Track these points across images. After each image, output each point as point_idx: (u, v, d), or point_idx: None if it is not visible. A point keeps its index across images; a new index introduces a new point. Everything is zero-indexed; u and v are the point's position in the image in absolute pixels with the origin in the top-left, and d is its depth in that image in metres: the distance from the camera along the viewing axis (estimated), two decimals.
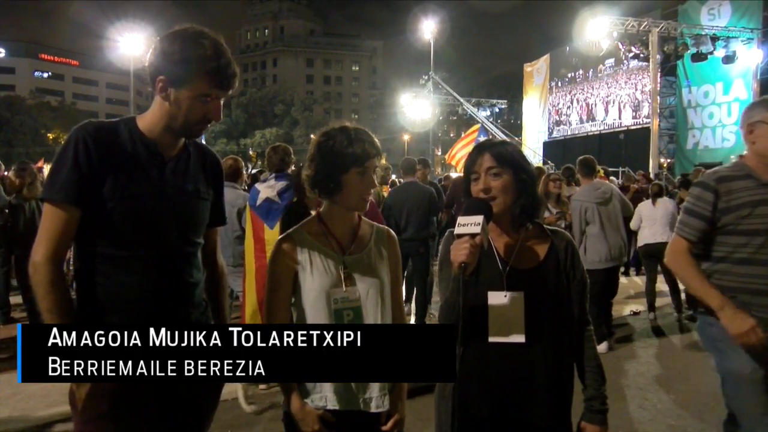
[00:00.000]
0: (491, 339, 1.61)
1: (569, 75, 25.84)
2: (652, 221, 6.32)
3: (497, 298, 1.61)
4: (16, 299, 6.43)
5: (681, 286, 6.58)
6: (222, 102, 1.64)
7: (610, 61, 22.36)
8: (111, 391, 1.51)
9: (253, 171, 11.41)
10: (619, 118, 22.35)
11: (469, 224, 1.51)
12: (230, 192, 4.48)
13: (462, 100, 25.99)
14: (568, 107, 26.00)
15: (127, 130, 1.62)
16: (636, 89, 21.16)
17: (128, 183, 1.57)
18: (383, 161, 1.81)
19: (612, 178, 11.59)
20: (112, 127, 1.61)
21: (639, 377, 4.64)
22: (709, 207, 2.19)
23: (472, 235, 1.49)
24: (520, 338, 1.59)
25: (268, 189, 4.01)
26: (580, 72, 24.88)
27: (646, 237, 6.40)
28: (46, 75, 68.29)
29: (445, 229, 2.02)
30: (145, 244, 1.59)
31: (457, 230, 1.53)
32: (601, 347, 5.19)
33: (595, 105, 23.98)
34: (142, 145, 1.62)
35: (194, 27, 1.59)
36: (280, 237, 1.77)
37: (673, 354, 5.31)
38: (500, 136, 17.21)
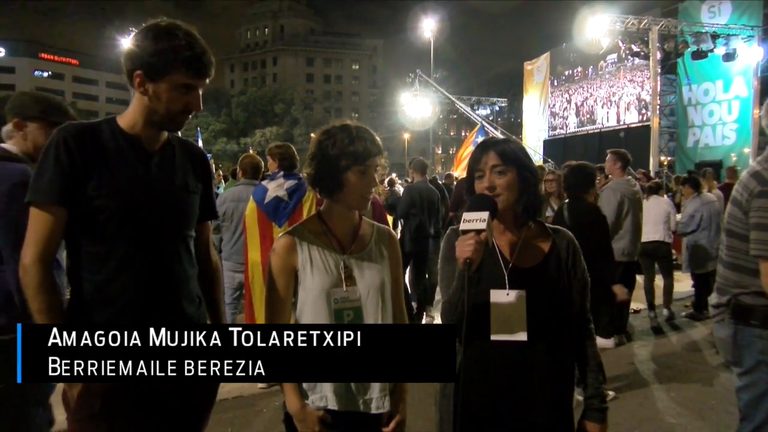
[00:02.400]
0: (493, 337, 1.60)
1: (567, 72, 25.76)
2: (646, 220, 6.27)
3: (499, 296, 1.61)
4: None
5: (682, 288, 6.58)
6: (200, 91, 1.63)
7: (612, 58, 22.30)
8: (103, 391, 1.50)
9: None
10: (620, 117, 22.30)
11: (474, 220, 1.49)
12: (250, 190, 4.37)
13: (453, 98, 25.72)
14: (568, 105, 25.95)
15: (109, 128, 1.62)
16: (642, 89, 21.07)
17: (113, 179, 1.56)
18: (383, 160, 1.81)
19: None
20: (93, 126, 1.61)
21: (639, 376, 4.64)
22: None
23: (478, 231, 1.48)
24: (522, 336, 1.59)
25: (277, 187, 3.95)
26: (579, 70, 24.82)
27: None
28: (46, 74, 68.13)
29: (446, 228, 2.01)
30: (133, 240, 1.58)
31: (463, 226, 1.51)
32: (608, 342, 5.19)
33: (596, 103, 23.93)
34: (125, 141, 1.61)
35: (165, 20, 1.59)
36: (280, 236, 1.75)
37: (673, 352, 5.30)
38: (497, 135, 17.18)
